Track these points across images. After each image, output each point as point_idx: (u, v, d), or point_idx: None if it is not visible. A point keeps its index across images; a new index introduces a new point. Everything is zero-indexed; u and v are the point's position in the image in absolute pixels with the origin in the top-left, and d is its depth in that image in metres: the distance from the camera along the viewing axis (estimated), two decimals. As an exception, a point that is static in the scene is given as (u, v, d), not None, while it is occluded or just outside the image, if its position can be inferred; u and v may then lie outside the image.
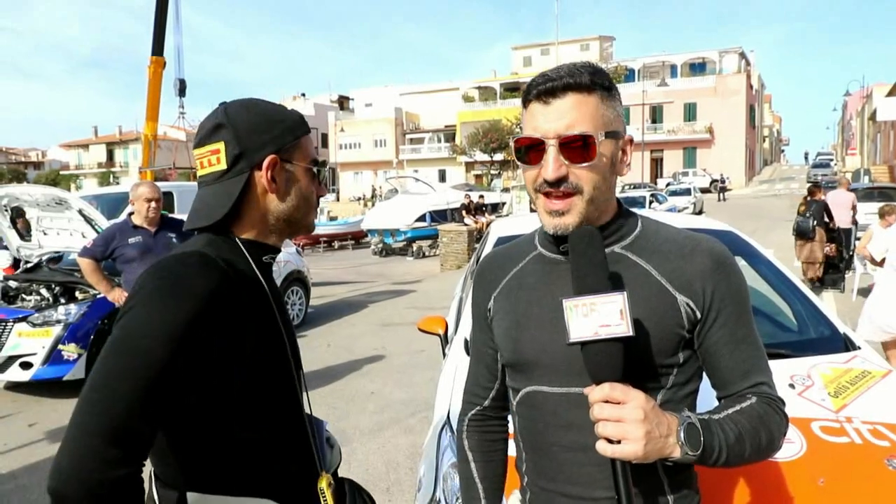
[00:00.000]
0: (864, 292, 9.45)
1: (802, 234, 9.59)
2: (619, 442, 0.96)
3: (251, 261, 1.20)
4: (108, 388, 0.94)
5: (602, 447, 0.97)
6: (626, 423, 0.96)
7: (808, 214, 9.65)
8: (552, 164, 1.07)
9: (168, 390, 0.98)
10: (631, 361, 1.05)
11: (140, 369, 0.95)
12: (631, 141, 1.18)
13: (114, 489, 0.90)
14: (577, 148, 1.07)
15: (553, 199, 1.10)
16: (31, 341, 5.73)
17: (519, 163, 1.15)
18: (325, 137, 61.78)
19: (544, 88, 1.08)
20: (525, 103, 1.14)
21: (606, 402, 0.97)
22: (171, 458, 1.13)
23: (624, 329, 0.97)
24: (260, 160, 1.18)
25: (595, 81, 1.09)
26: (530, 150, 1.11)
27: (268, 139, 1.19)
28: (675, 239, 1.17)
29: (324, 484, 1.27)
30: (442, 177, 51.16)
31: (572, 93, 1.08)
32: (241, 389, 1.11)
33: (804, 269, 9.83)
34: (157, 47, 19.82)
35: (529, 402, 1.19)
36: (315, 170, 1.27)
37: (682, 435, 0.99)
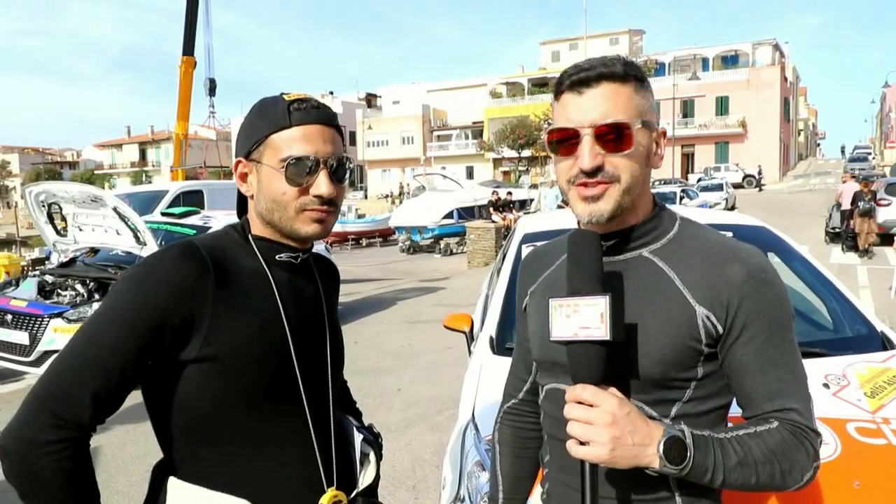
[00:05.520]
0: (904, 290, 9.24)
1: (867, 213, 13.71)
2: (586, 444, 0.96)
3: (260, 257, 1.20)
4: (60, 362, 1.03)
5: (570, 446, 0.98)
6: (593, 425, 0.96)
7: (869, 199, 13.91)
8: (588, 153, 1.05)
9: (114, 369, 1.03)
10: (635, 369, 1.05)
11: (89, 347, 1.04)
12: (664, 134, 1.16)
13: (43, 450, 0.98)
14: (612, 137, 1.06)
15: (588, 186, 1.08)
16: (67, 337, 5.82)
17: (552, 155, 1.13)
18: (353, 135, 62.15)
19: (577, 79, 1.07)
20: (557, 95, 1.12)
21: (580, 402, 0.98)
22: (160, 443, 1.17)
23: (602, 333, 0.96)
24: (237, 165, 1.22)
25: (628, 72, 1.08)
26: (563, 142, 1.09)
27: (243, 142, 1.20)
28: (711, 246, 1.12)
29: (325, 500, 1.19)
30: (469, 173, 51.13)
31: (606, 82, 1.06)
32: (218, 381, 1.09)
33: (865, 239, 13.64)
34: (188, 47, 20.20)
35: (552, 398, 1.20)
36: (286, 169, 1.13)
37: (661, 447, 0.96)
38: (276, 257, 1.21)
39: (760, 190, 36.19)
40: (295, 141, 1.14)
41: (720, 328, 1.06)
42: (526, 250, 1.82)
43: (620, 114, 1.06)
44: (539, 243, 1.46)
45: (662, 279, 1.10)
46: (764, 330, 1.05)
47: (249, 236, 1.22)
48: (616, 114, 1.05)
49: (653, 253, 1.13)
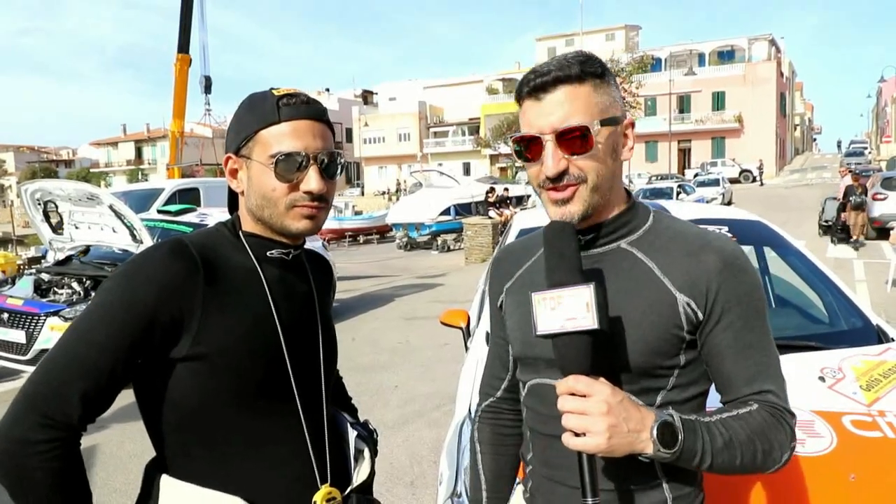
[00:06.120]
0: (900, 283, 9.27)
1: (859, 206, 14.59)
2: (583, 434, 0.96)
3: (251, 254, 1.19)
4: (50, 361, 1.02)
5: (566, 439, 0.98)
6: (589, 415, 0.95)
7: (860, 193, 14.91)
8: (551, 158, 1.07)
9: (104, 368, 1.02)
10: (621, 359, 1.05)
11: (78, 345, 1.03)
12: (632, 124, 1.16)
13: (32, 449, 0.98)
14: (574, 140, 1.07)
15: (558, 190, 1.09)
16: (64, 335, 5.84)
17: (521, 161, 1.14)
18: (349, 132, 62.06)
19: (535, 84, 1.08)
20: (519, 102, 1.13)
21: (573, 394, 0.97)
22: (152, 441, 1.16)
23: (590, 322, 0.96)
24: (227, 161, 1.21)
25: (585, 71, 1.08)
26: (530, 148, 1.11)
27: (232, 138, 1.19)
28: (684, 236, 1.15)
29: (319, 497, 1.18)
30: (466, 170, 51.04)
31: (563, 85, 1.07)
32: (210, 379, 1.09)
33: (858, 231, 14.45)
34: (183, 45, 20.10)
35: (535, 394, 1.20)
36: (275, 165, 1.12)
37: (654, 432, 0.97)
38: (268, 254, 1.20)
39: (762, 185, 36.33)
40: (284, 136, 1.13)
41: (700, 314, 1.08)
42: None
43: (579, 116, 1.06)
44: None
45: (642, 269, 1.12)
46: (741, 315, 1.09)
47: (240, 233, 1.21)
48: (574, 117, 1.06)
49: (630, 244, 1.15)
